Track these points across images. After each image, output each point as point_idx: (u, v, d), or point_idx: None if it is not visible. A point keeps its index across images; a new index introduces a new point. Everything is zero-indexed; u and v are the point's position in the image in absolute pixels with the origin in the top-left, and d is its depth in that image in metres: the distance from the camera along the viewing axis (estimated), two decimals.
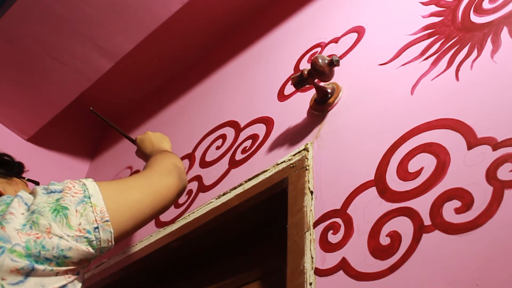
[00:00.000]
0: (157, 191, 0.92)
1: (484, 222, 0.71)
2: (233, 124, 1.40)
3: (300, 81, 1.10)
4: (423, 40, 1.04)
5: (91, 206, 0.76)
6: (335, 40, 1.27)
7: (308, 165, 1.04)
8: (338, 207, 0.93)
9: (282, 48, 1.45)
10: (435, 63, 0.97)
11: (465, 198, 0.75)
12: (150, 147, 1.25)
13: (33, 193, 0.76)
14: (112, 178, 1.76)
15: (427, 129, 0.88)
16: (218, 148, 1.39)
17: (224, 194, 1.21)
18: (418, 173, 0.84)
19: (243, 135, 1.33)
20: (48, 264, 0.69)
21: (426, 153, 0.85)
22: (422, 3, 1.10)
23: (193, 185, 1.37)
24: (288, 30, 1.49)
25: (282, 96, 1.30)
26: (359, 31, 1.22)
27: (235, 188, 1.19)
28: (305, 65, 1.26)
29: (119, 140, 1.90)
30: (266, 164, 1.16)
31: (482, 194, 0.73)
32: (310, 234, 0.93)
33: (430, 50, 1.00)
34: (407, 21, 1.11)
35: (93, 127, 2.10)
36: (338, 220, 0.91)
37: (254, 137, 1.29)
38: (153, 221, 1.36)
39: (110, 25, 1.58)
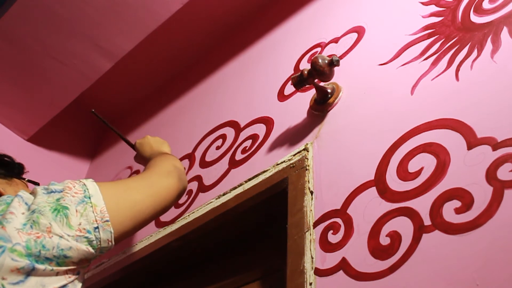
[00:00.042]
0: (157, 192, 0.92)
1: (484, 222, 0.71)
2: (233, 124, 1.40)
3: (300, 81, 1.10)
4: (423, 40, 1.04)
5: (91, 206, 0.76)
6: (335, 40, 1.27)
7: (308, 165, 1.04)
8: (338, 207, 0.93)
9: (282, 48, 1.45)
10: (435, 63, 0.97)
11: (465, 198, 0.75)
12: (150, 150, 1.25)
13: (33, 193, 0.76)
14: (112, 178, 1.76)
15: (427, 129, 0.88)
16: (218, 148, 1.39)
17: (224, 194, 1.21)
18: (418, 173, 0.84)
19: (243, 135, 1.33)
20: (49, 263, 0.69)
21: (426, 153, 0.85)
22: (422, 3, 1.10)
23: (193, 185, 1.37)
24: (288, 30, 1.49)
25: (282, 96, 1.30)
26: (359, 31, 1.22)
27: (235, 188, 1.19)
28: (305, 65, 1.26)
29: (119, 140, 1.90)
30: (266, 164, 1.16)
31: (482, 194, 0.73)
32: (310, 234, 0.93)
33: (430, 50, 1.00)
34: (407, 21, 1.11)
35: (93, 127, 2.10)
36: (338, 220, 0.91)
37: (254, 137, 1.29)
38: (153, 221, 1.36)
39: (110, 25, 1.58)
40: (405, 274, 0.76)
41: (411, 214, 0.80)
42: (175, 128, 1.67)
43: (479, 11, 0.98)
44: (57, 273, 0.71)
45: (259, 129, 1.29)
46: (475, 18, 0.97)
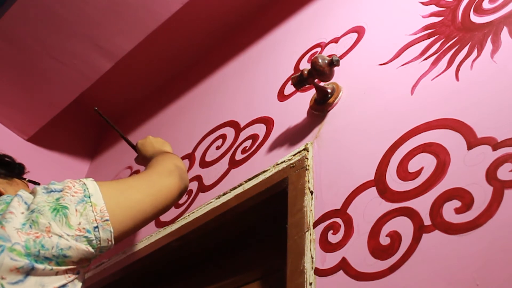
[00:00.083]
0: (158, 191, 0.92)
1: (484, 222, 0.71)
2: (233, 124, 1.40)
3: (300, 81, 1.10)
4: (423, 40, 1.04)
5: (91, 206, 0.76)
6: (335, 40, 1.27)
7: (308, 165, 1.04)
8: (338, 207, 0.93)
9: (282, 48, 1.45)
10: (435, 63, 0.97)
11: (465, 198, 0.75)
12: (152, 149, 1.24)
13: (33, 192, 0.76)
14: (112, 178, 1.76)
15: (427, 129, 0.88)
16: (218, 148, 1.39)
17: (224, 194, 1.21)
18: (418, 173, 0.84)
19: (243, 135, 1.33)
20: (48, 263, 0.69)
21: (426, 153, 0.85)
22: (422, 3, 1.10)
23: (193, 185, 1.37)
24: (288, 30, 1.49)
25: (282, 96, 1.30)
26: (359, 31, 1.22)
27: (235, 188, 1.19)
28: (305, 65, 1.26)
29: (119, 140, 1.90)
30: (266, 164, 1.16)
31: (482, 194, 0.73)
32: (310, 234, 0.93)
33: (430, 50, 1.00)
34: (407, 21, 1.11)
35: (93, 127, 2.10)
36: (338, 220, 0.91)
37: (254, 137, 1.29)
38: (153, 221, 1.36)
39: (110, 25, 1.58)
40: (405, 274, 0.76)
41: (411, 214, 0.80)
42: (175, 128, 1.67)
43: (479, 11, 0.98)
44: (57, 273, 0.71)
45: (259, 129, 1.29)
46: (475, 18, 0.97)
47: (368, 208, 0.87)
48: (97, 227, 0.75)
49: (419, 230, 0.78)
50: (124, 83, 1.93)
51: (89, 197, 0.76)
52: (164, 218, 1.35)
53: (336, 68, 1.07)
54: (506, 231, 0.68)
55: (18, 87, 1.77)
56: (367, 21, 1.22)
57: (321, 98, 1.13)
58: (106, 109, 1.96)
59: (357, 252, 0.84)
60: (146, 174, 0.97)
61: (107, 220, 0.76)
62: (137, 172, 1.64)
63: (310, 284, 0.86)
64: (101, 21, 1.58)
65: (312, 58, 1.08)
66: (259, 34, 1.60)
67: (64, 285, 0.71)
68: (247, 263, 1.20)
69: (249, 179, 1.16)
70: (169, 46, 1.80)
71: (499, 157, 0.75)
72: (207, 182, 1.33)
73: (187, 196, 1.35)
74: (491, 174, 0.74)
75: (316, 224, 0.94)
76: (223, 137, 1.40)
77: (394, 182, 0.87)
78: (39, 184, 1.04)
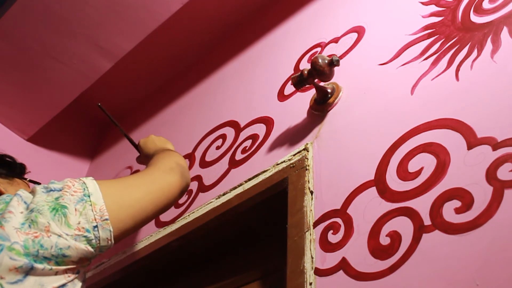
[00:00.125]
0: (159, 189, 0.92)
1: (484, 222, 0.71)
2: (233, 124, 1.40)
3: (300, 81, 1.10)
4: (423, 40, 1.04)
5: (91, 205, 0.75)
6: (335, 40, 1.27)
7: (308, 165, 1.04)
8: (338, 207, 0.93)
9: (282, 48, 1.45)
10: (435, 63, 0.97)
11: (465, 198, 0.75)
12: (153, 147, 1.24)
13: (32, 192, 0.76)
14: (112, 178, 1.76)
15: (427, 129, 0.88)
16: (218, 148, 1.39)
17: (224, 194, 1.21)
18: (418, 173, 0.84)
19: (243, 135, 1.33)
20: (47, 263, 0.69)
21: (426, 153, 0.85)
22: (422, 3, 1.10)
23: (193, 185, 1.37)
24: (288, 30, 1.49)
25: (282, 96, 1.30)
26: (359, 31, 1.22)
27: (235, 188, 1.19)
28: (305, 65, 1.26)
29: (119, 140, 1.90)
30: (266, 164, 1.16)
31: (482, 194, 0.73)
32: (310, 234, 0.93)
33: (430, 50, 1.00)
34: (407, 21, 1.11)
35: (93, 127, 2.10)
36: (338, 220, 0.91)
37: (254, 137, 1.29)
38: (153, 221, 1.36)
39: (110, 25, 1.58)
40: (405, 274, 0.75)
41: (411, 214, 0.80)
42: (175, 128, 1.67)
43: (479, 11, 0.98)
44: (56, 273, 0.70)
45: (259, 129, 1.28)
46: (475, 18, 0.97)
47: (368, 208, 0.87)
48: (96, 226, 0.75)
49: (419, 230, 0.78)
50: (124, 83, 1.93)
51: (89, 196, 0.76)
52: (164, 218, 1.35)
53: (336, 68, 1.07)
54: (506, 231, 0.68)
55: (18, 87, 1.77)
56: (367, 21, 1.22)
57: (321, 98, 1.13)
58: (106, 109, 1.96)
59: (357, 252, 0.84)
60: (147, 171, 0.97)
61: (106, 219, 0.76)
62: (137, 171, 1.64)
63: (310, 284, 0.86)
64: (101, 21, 1.58)
65: (312, 58, 1.08)
66: (259, 34, 1.60)
67: (64, 284, 0.71)
68: (247, 263, 1.20)
69: (249, 179, 1.16)
70: (169, 46, 1.80)
71: (499, 157, 0.75)
72: (207, 182, 1.33)
73: (187, 196, 1.35)
74: (491, 174, 0.74)
75: (316, 224, 0.94)
76: (223, 137, 1.40)
77: (394, 182, 0.87)
78: (39, 184, 1.04)
